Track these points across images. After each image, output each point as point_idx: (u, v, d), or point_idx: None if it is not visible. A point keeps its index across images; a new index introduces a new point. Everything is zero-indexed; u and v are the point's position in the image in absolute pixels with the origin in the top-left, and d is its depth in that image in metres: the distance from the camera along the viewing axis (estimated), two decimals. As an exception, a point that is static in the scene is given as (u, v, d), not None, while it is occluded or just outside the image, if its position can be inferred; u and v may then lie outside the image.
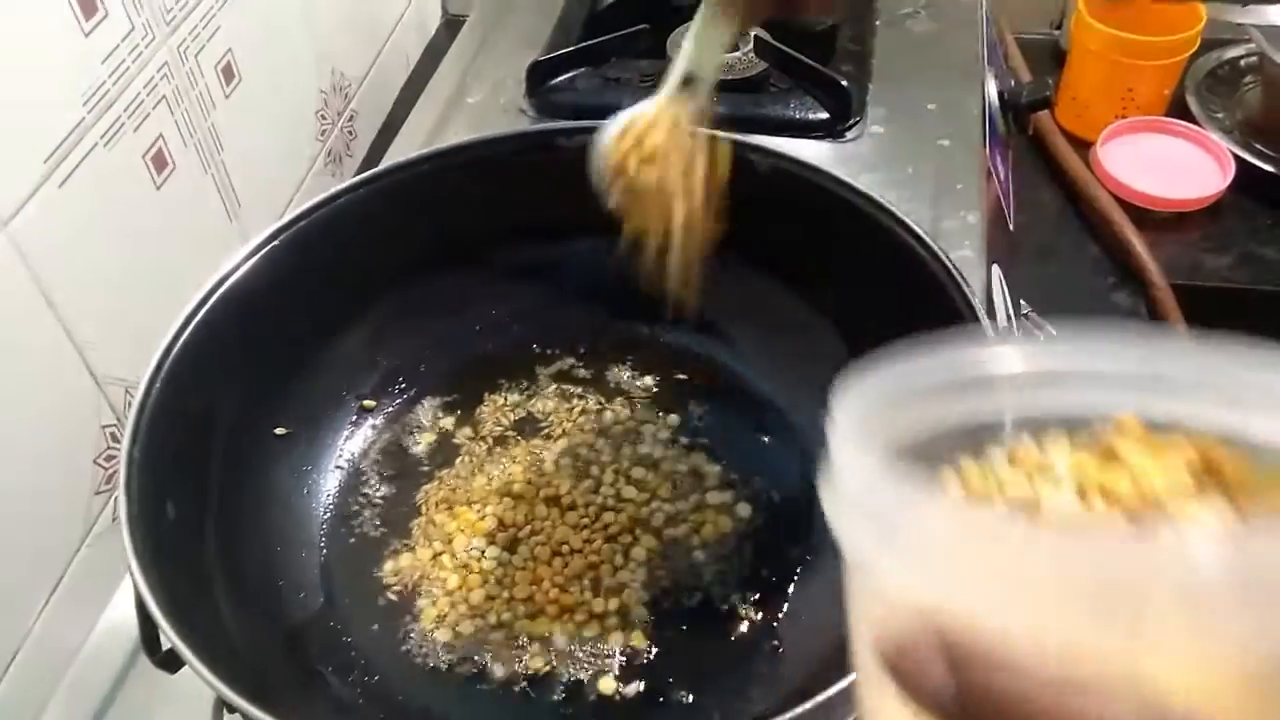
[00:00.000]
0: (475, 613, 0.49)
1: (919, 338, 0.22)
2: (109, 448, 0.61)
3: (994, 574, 0.17)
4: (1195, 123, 0.92)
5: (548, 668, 0.47)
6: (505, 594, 0.50)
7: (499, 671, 0.47)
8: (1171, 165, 0.90)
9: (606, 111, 0.69)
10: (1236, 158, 0.88)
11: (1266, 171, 0.88)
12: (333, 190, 0.54)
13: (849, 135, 0.70)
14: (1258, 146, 0.89)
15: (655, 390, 0.58)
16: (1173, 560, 0.16)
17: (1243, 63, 0.97)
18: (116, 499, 0.57)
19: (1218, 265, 0.84)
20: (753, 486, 0.54)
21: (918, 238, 0.49)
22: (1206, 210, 0.87)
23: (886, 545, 0.19)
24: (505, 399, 0.58)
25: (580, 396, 0.58)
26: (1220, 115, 0.93)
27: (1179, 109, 0.94)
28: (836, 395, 0.22)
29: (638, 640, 0.48)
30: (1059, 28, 1.05)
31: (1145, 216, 0.86)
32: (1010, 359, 0.23)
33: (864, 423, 0.21)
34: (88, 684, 0.53)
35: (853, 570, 0.21)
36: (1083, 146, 0.92)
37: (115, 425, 0.61)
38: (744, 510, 0.53)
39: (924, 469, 0.22)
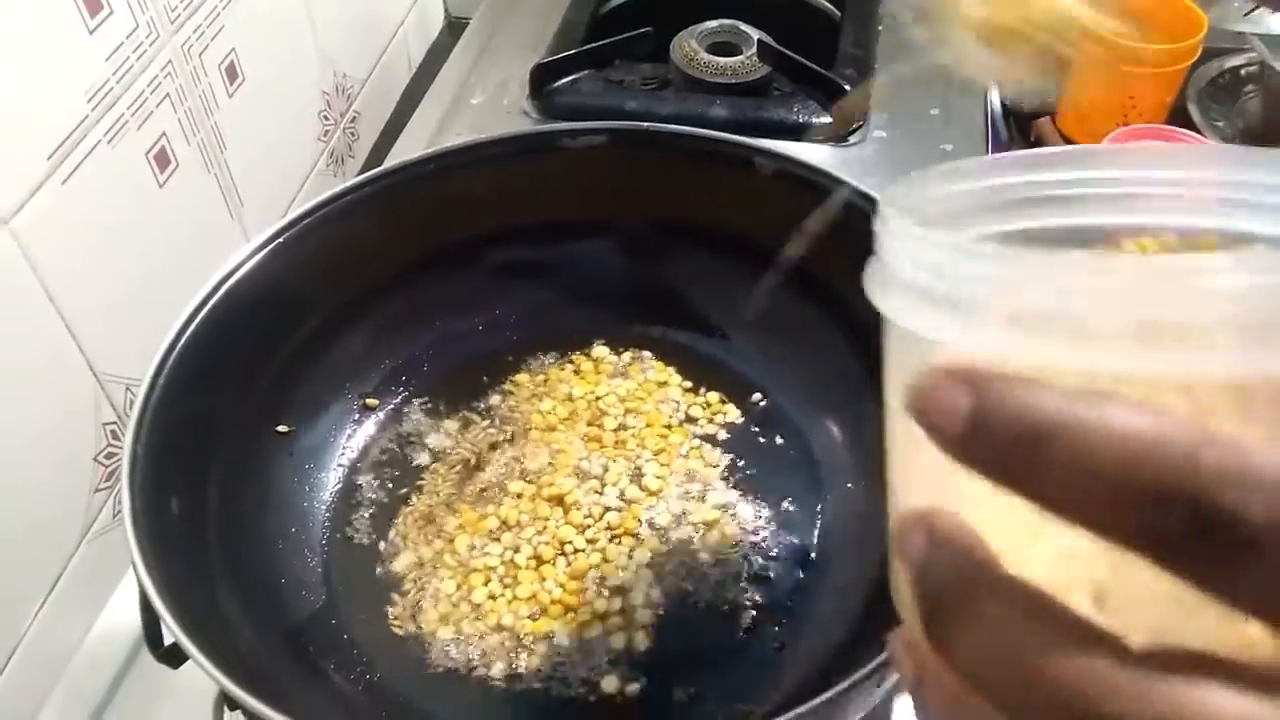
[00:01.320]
0: (477, 612, 0.49)
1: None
2: (109, 445, 0.61)
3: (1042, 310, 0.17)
4: (1196, 131, 0.92)
5: (550, 667, 0.47)
6: (507, 593, 0.50)
7: (501, 670, 0.47)
8: (1172, 173, 0.90)
9: (609, 114, 0.70)
10: (1236, 166, 0.88)
11: (1266, 180, 0.88)
12: (338, 189, 0.54)
13: (852, 139, 0.70)
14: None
15: (659, 391, 0.58)
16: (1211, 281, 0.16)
17: (1244, 71, 0.97)
18: (116, 496, 0.57)
19: (1218, 273, 0.84)
20: (757, 487, 0.54)
21: (922, 239, 0.49)
22: (1207, 218, 0.88)
23: (940, 306, 0.19)
24: (508, 399, 0.58)
25: (583, 396, 0.58)
26: (1221, 124, 0.93)
27: (1180, 117, 0.94)
28: (886, 192, 0.22)
29: (641, 640, 0.48)
30: (1060, 36, 1.05)
31: (1146, 224, 0.86)
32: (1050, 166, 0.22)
33: (909, 209, 0.21)
34: (86, 683, 0.52)
35: (896, 340, 0.21)
36: (1084, 154, 0.93)
37: (116, 423, 0.61)
38: (747, 511, 0.53)
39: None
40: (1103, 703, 0.16)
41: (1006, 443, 0.17)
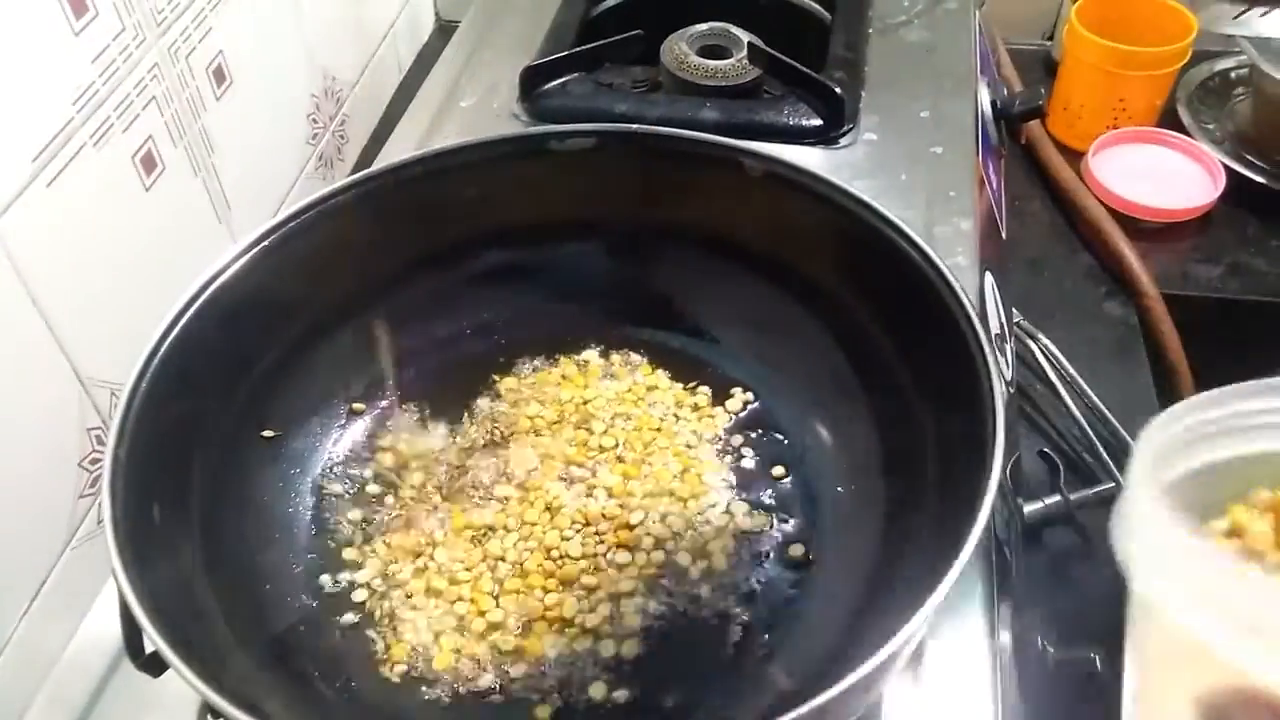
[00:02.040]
0: (461, 620, 0.49)
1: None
2: (94, 451, 0.60)
3: None
4: (1186, 133, 0.92)
5: (537, 675, 0.47)
6: (493, 600, 0.49)
7: (487, 678, 0.47)
8: (1163, 176, 0.90)
9: (599, 116, 0.70)
10: (1227, 168, 0.88)
11: (1257, 182, 0.88)
12: (324, 191, 0.54)
13: (842, 142, 0.70)
14: (1248, 157, 0.90)
15: (649, 394, 0.58)
16: None
17: (1233, 74, 0.97)
18: (101, 502, 0.57)
19: (1208, 275, 0.84)
20: (746, 491, 0.53)
21: (913, 243, 0.49)
22: (1197, 221, 0.88)
23: (1212, 611, 0.20)
24: (495, 403, 0.58)
25: (572, 399, 0.57)
26: (1211, 126, 0.94)
27: (1170, 120, 0.94)
28: (1141, 437, 0.24)
29: (628, 646, 0.48)
30: (1051, 38, 1.05)
31: (1136, 226, 0.86)
32: None
33: (1158, 463, 0.23)
34: (69, 690, 0.52)
35: (1147, 614, 0.22)
36: (1074, 156, 0.93)
37: (101, 428, 0.60)
38: (737, 514, 0.52)
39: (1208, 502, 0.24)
40: None
41: None
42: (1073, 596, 0.66)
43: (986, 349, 0.44)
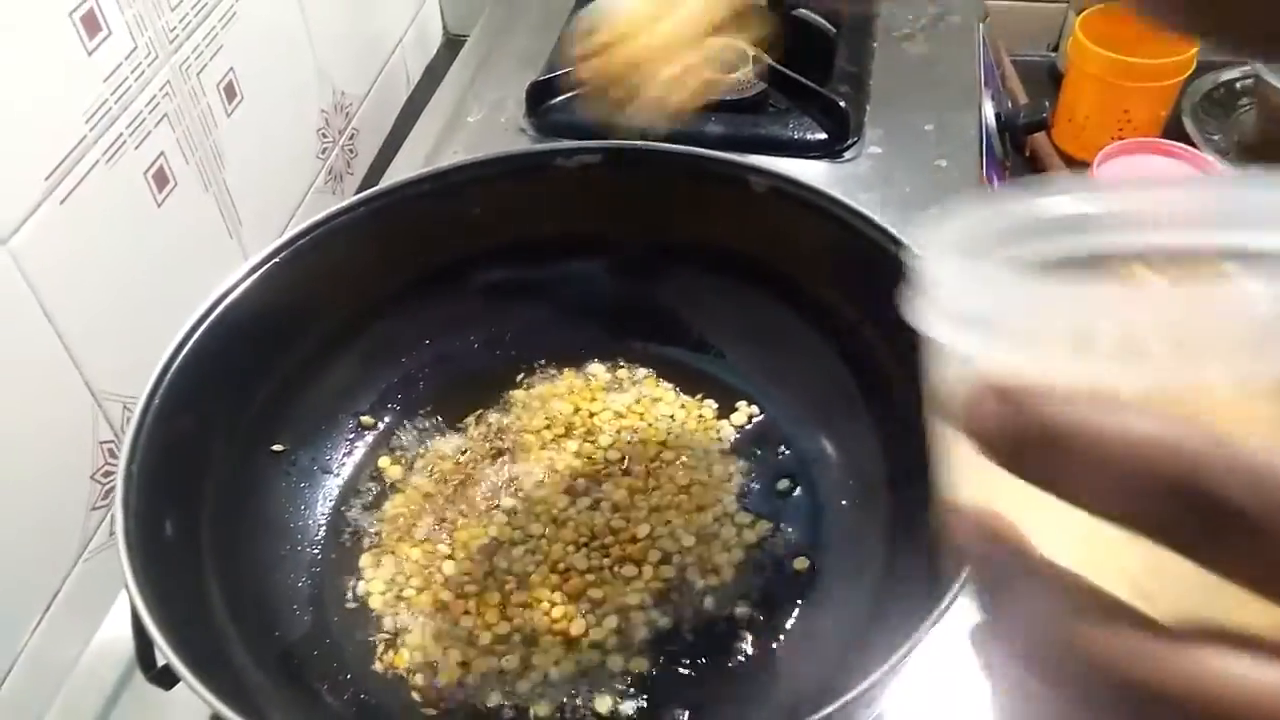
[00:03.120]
0: (469, 632, 0.49)
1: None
2: (106, 464, 0.61)
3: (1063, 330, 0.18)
4: (1191, 144, 0.92)
5: (543, 688, 0.47)
6: (500, 613, 0.50)
7: (493, 692, 0.47)
8: (1168, 187, 0.90)
9: (606, 132, 0.70)
10: (1232, 179, 0.88)
11: (1262, 193, 0.88)
12: (333, 209, 0.54)
13: (847, 155, 0.70)
14: (1254, 168, 0.90)
15: (654, 407, 0.58)
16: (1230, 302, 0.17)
17: (1238, 85, 0.97)
18: (113, 515, 0.57)
19: (1214, 286, 0.84)
20: (752, 504, 0.54)
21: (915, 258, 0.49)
22: (1203, 232, 0.88)
23: (982, 331, 0.20)
24: (502, 416, 0.58)
25: (577, 412, 0.58)
26: (1216, 137, 0.94)
27: (1175, 131, 0.94)
28: (918, 229, 0.23)
29: (635, 660, 0.48)
30: (1055, 49, 1.05)
31: (1142, 237, 0.86)
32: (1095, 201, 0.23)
33: (952, 242, 0.22)
34: (82, 701, 0.52)
35: (940, 360, 0.22)
36: (1079, 168, 0.93)
37: (113, 441, 0.61)
38: (743, 527, 0.53)
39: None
40: (1131, 669, 0.17)
41: (1037, 446, 0.18)
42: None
43: (988, 364, 0.44)
